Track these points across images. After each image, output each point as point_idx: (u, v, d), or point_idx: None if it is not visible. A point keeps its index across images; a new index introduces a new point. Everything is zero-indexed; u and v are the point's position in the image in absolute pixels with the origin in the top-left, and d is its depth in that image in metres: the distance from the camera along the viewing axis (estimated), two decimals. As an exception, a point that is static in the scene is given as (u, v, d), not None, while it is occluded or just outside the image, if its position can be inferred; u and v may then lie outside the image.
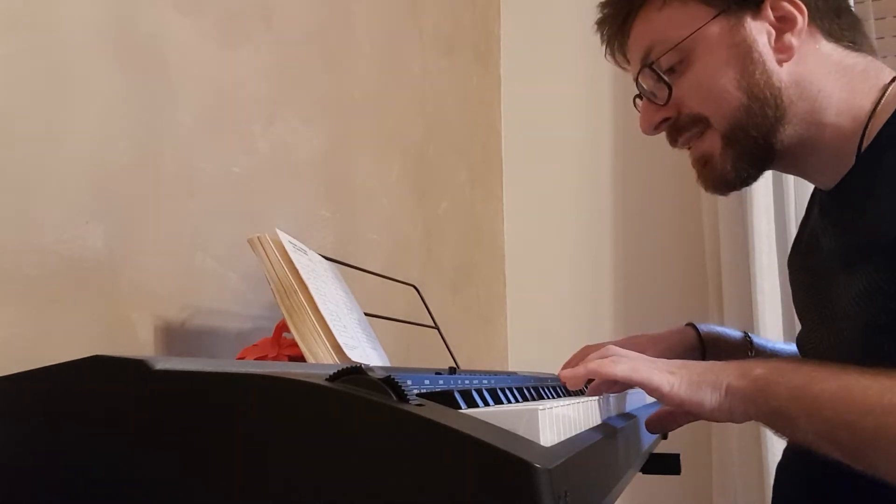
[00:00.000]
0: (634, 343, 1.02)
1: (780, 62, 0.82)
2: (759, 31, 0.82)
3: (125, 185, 0.84)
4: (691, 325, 1.10)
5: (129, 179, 0.84)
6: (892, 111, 0.77)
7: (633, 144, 1.93)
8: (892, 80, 0.82)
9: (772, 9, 0.82)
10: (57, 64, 0.77)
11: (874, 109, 0.80)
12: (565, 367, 0.90)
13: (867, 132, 0.79)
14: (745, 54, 0.82)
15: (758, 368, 0.70)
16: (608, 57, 0.96)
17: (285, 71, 1.14)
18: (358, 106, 1.34)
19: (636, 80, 0.90)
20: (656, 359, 0.74)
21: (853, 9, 0.88)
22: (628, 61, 0.94)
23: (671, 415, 0.78)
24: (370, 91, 1.39)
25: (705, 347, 1.08)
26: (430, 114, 1.65)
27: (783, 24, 0.82)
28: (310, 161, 1.18)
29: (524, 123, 2.06)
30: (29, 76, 0.74)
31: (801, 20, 0.82)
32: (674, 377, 0.70)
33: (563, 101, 2.03)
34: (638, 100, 0.91)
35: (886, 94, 0.80)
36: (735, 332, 1.13)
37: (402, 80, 1.54)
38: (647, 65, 0.87)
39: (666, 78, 0.86)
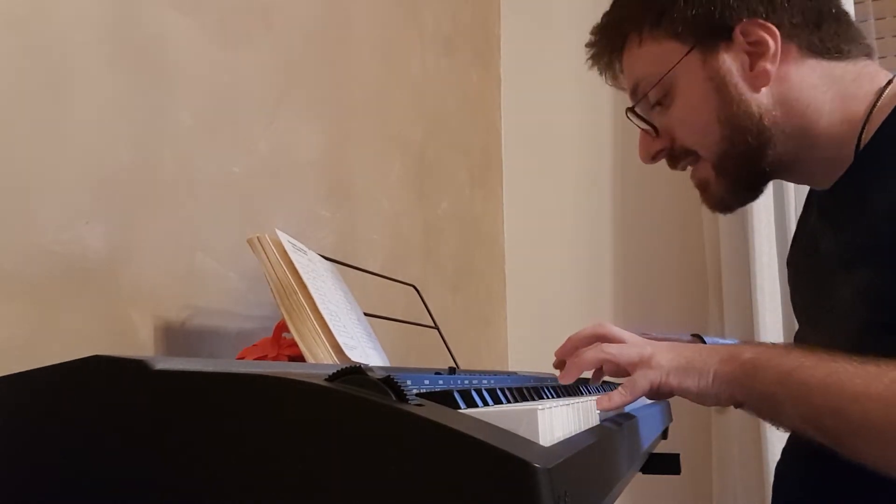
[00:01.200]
0: None
1: (756, 88, 0.82)
2: (733, 60, 0.83)
3: (125, 185, 0.84)
4: (697, 336, 1.10)
5: (129, 179, 0.84)
6: (889, 112, 0.77)
7: (632, 144, 1.91)
8: (889, 83, 0.81)
9: (742, 34, 0.82)
10: (57, 64, 0.77)
11: (870, 112, 0.79)
12: (557, 355, 0.88)
13: (864, 133, 0.79)
14: (720, 86, 0.83)
15: (747, 353, 0.71)
16: (608, 83, 0.99)
17: (285, 71, 1.14)
18: (358, 105, 1.34)
19: (627, 114, 0.93)
20: (644, 342, 0.76)
21: (846, 12, 0.87)
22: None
23: None
24: (370, 91, 1.39)
25: None
26: (430, 114, 1.65)
27: (756, 48, 0.82)
28: (310, 161, 1.18)
29: (524, 123, 2.06)
30: (29, 76, 0.74)
31: (773, 44, 0.81)
32: (660, 370, 0.72)
33: (563, 102, 2.02)
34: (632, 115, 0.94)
35: (883, 97, 0.80)
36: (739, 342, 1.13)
37: (401, 79, 1.54)
38: (637, 102, 0.90)
39: (646, 117, 0.90)
